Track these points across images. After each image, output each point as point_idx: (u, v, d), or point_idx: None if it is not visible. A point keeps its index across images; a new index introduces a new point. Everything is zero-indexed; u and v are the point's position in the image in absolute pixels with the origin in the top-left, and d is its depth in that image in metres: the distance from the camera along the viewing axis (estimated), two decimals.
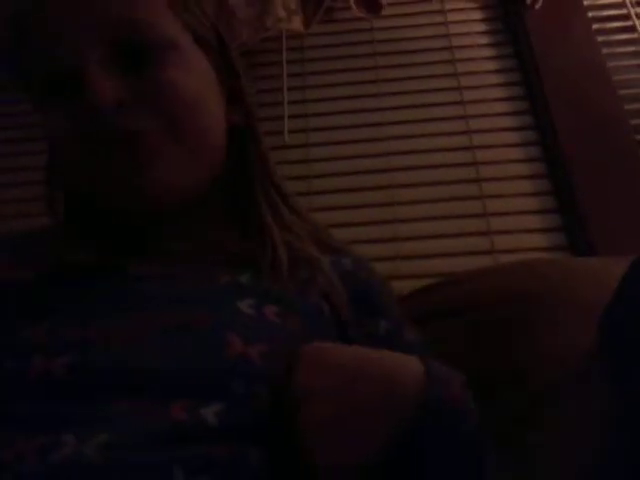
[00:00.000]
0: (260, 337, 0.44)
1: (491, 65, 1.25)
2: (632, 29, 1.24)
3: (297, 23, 1.26)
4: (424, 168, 1.16)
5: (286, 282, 0.51)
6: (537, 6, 1.23)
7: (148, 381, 0.40)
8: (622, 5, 1.26)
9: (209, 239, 0.55)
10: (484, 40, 1.29)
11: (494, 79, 1.24)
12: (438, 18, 1.32)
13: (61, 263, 0.49)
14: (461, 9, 1.32)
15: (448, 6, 1.33)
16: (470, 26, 1.31)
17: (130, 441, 0.36)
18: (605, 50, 1.20)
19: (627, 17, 1.25)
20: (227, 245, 0.54)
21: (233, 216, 0.58)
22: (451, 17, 1.31)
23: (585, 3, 1.25)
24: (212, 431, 0.39)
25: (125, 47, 0.48)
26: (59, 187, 0.58)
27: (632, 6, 1.26)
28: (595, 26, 1.23)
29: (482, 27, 1.30)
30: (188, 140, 0.50)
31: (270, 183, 0.59)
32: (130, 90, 0.47)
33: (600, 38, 1.21)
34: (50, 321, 0.44)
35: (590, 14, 1.24)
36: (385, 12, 1.29)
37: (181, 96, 0.49)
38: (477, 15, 1.32)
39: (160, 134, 0.48)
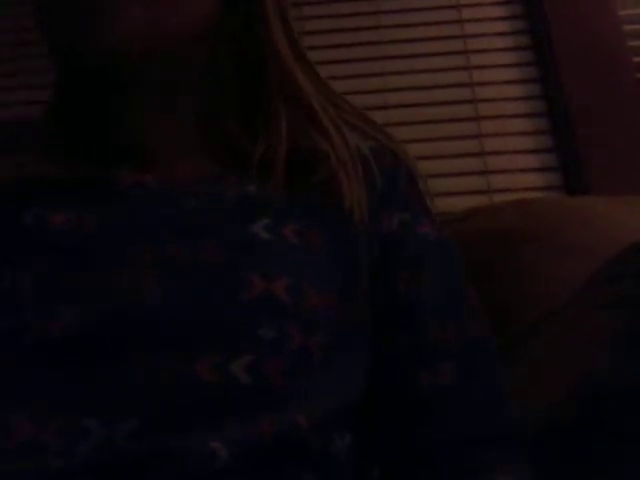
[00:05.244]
0: (283, 268, 0.39)
1: None
2: None
3: None
4: (421, 105, 1.14)
5: (299, 187, 0.44)
6: None
7: (162, 336, 0.35)
8: None
9: (203, 129, 0.47)
10: None
11: (496, 12, 1.20)
12: None
13: (24, 177, 0.41)
14: None
15: None
16: None
17: (160, 421, 0.32)
18: None
19: None
20: (228, 139, 0.46)
21: (237, 104, 0.48)
22: None
23: None
24: (247, 391, 0.34)
25: None
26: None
27: None
28: None
29: None
30: None
31: (287, 58, 0.47)
32: None
33: None
34: (39, 266, 0.37)
35: None
36: None
37: None
38: None
39: None
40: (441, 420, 0.41)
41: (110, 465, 0.31)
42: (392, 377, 0.43)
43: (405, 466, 0.41)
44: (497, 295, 0.63)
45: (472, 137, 1.11)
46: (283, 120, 0.46)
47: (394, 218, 0.46)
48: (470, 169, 1.09)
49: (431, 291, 0.45)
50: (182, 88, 0.46)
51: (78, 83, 0.45)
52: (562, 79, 1.08)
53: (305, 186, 0.44)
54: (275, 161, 0.44)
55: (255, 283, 0.37)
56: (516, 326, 0.58)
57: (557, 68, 1.09)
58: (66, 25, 0.39)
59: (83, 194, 0.41)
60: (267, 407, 0.35)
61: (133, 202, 0.41)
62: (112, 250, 0.39)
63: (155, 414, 0.32)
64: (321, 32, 1.21)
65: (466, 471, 0.39)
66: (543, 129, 1.11)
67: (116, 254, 0.38)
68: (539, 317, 0.54)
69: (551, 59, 1.11)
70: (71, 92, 0.47)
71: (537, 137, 1.11)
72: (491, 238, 0.69)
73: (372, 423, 0.42)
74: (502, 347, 0.57)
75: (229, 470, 0.32)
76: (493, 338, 0.45)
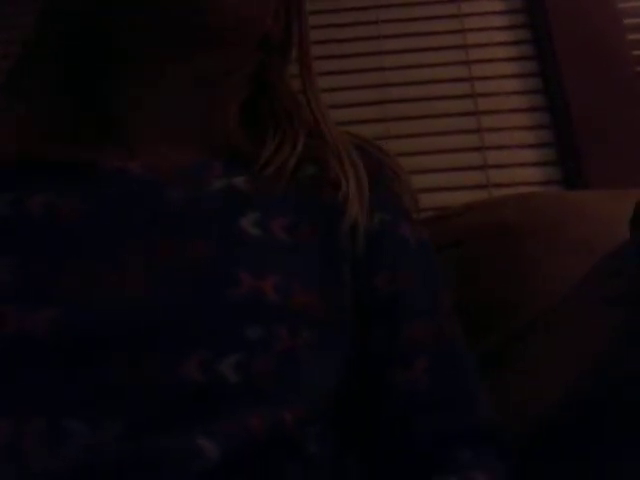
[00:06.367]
0: (272, 266, 0.39)
1: None
2: None
3: None
4: (420, 100, 1.14)
5: (289, 182, 0.44)
6: None
7: (146, 335, 0.34)
8: None
9: (209, 119, 0.46)
10: None
11: (496, 6, 1.19)
12: None
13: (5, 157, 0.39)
14: None
15: None
16: None
17: (147, 422, 0.32)
18: None
19: None
20: (229, 134, 0.46)
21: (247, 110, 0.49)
22: None
23: None
24: (235, 390, 0.34)
25: None
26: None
27: None
28: None
29: None
30: None
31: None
32: None
33: None
34: (17, 255, 0.35)
35: None
36: None
37: None
38: None
39: None
40: (413, 417, 0.41)
41: (97, 467, 0.30)
42: (368, 373, 0.43)
43: (379, 460, 0.41)
44: (496, 291, 0.63)
45: (471, 132, 1.11)
46: (301, 136, 0.46)
47: (374, 217, 0.47)
48: (469, 164, 1.09)
49: (409, 292, 0.45)
50: (206, 78, 0.45)
51: (96, 54, 0.43)
52: (562, 73, 1.08)
53: (295, 180, 0.44)
54: (283, 171, 0.44)
55: (243, 281, 0.37)
56: (515, 322, 0.58)
57: (557, 62, 1.09)
58: None
59: (62, 177, 0.39)
60: (255, 404, 0.35)
61: (116, 190, 0.40)
62: (94, 242, 0.37)
63: (141, 415, 0.32)
64: (319, 27, 1.21)
65: (436, 468, 0.39)
66: (542, 123, 1.10)
67: (99, 247, 0.37)
68: (538, 313, 0.54)
69: (551, 53, 1.11)
70: (75, 69, 0.44)
71: (536, 131, 1.10)
72: (490, 233, 0.69)
73: (349, 416, 0.42)
74: (501, 344, 0.57)
75: (217, 466, 0.32)
76: (465, 341, 0.46)
